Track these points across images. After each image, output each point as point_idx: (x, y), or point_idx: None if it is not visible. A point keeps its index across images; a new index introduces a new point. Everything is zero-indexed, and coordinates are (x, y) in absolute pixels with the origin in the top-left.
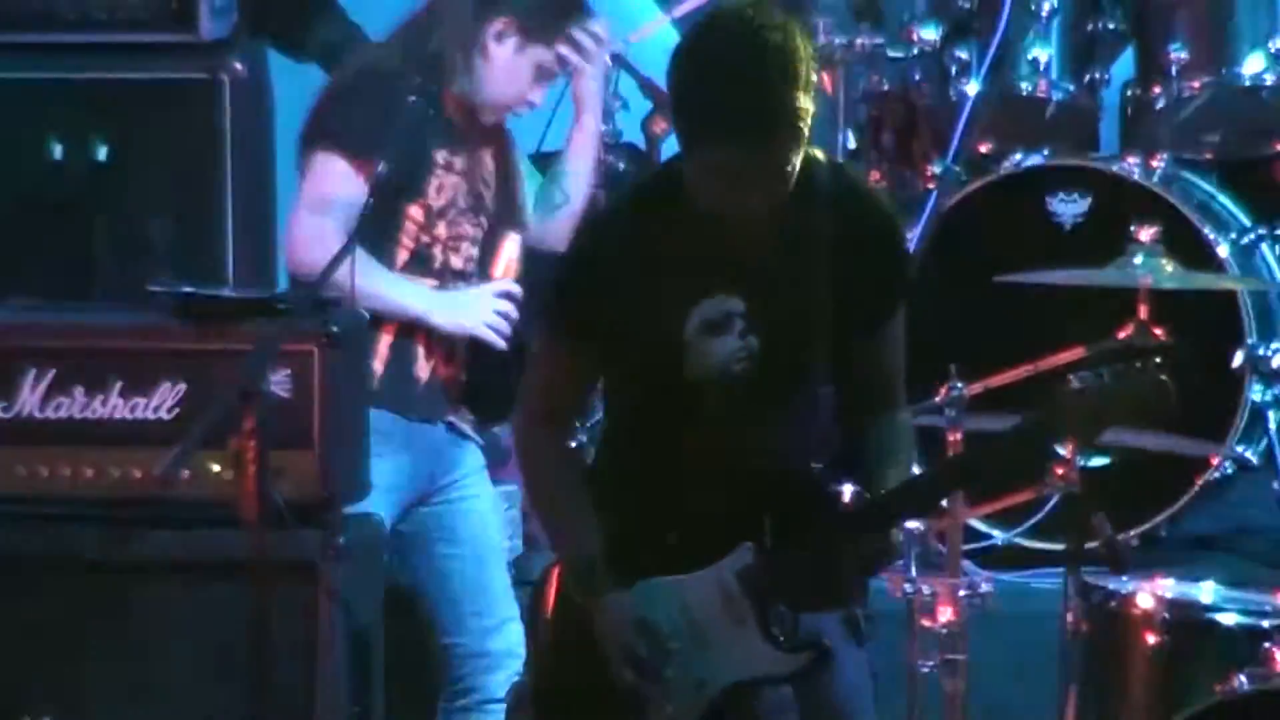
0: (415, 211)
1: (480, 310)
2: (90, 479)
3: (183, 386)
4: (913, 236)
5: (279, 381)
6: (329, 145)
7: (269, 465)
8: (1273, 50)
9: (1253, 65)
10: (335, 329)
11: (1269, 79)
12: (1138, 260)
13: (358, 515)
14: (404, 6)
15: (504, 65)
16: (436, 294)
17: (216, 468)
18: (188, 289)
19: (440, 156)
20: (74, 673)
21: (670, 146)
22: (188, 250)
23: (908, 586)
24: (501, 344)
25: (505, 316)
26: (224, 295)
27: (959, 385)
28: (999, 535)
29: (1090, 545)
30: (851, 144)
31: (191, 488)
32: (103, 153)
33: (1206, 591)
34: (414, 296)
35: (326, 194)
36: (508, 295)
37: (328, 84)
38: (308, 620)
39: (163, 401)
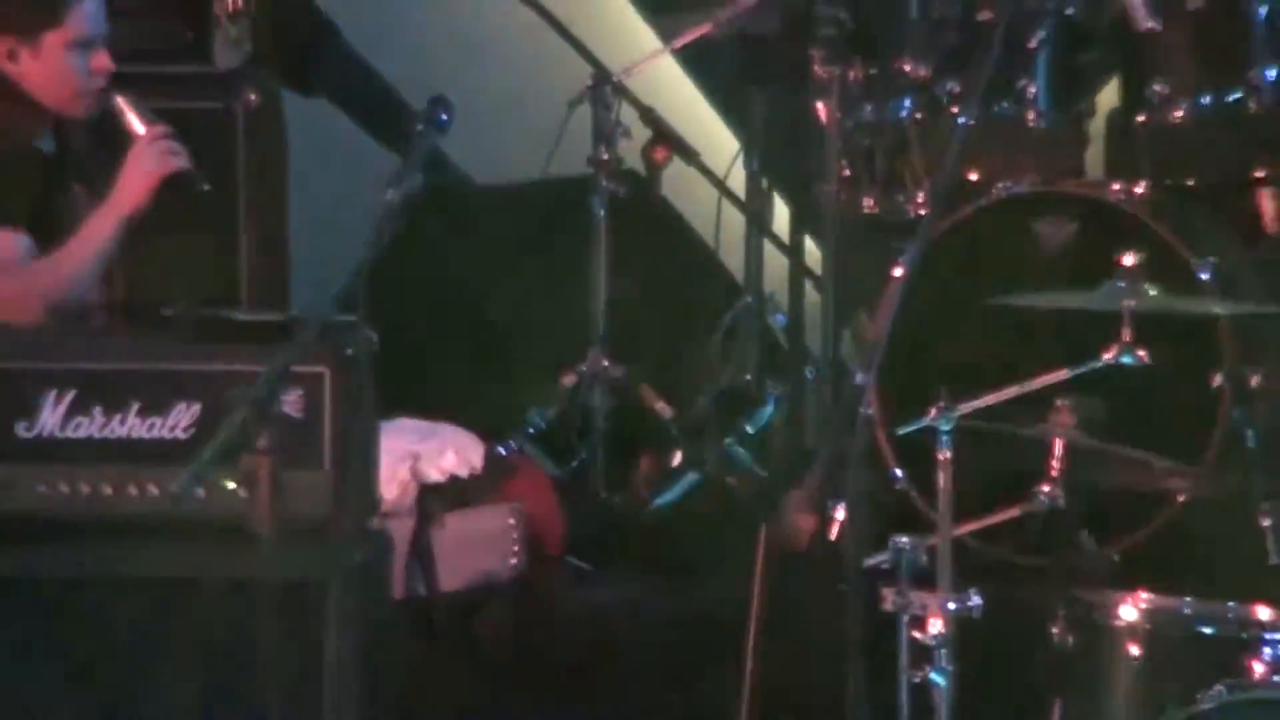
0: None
1: (152, 158)
2: (109, 497)
3: (198, 407)
4: (905, 261)
5: (291, 402)
6: None
7: (281, 484)
8: (1253, 80)
9: (1234, 94)
10: (347, 351)
11: (1251, 107)
12: (1122, 285)
13: (367, 533)
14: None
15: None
16: (108, 202)
17: (231, 485)
18: (203, 312)
19: (77, 191)
20: (91, 691)
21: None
22: (204, 274)
23: (898, 599)
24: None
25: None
26: (238, 318)
27: (949, 406)
28: (988, 550)
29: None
30: (846, 171)
31: (206, 505)
32: None
33: (1186, 604)
34: (100, 219)
35: None
36: (159, 136)
37: None
38: (316, 638)
39: (178, 421)
